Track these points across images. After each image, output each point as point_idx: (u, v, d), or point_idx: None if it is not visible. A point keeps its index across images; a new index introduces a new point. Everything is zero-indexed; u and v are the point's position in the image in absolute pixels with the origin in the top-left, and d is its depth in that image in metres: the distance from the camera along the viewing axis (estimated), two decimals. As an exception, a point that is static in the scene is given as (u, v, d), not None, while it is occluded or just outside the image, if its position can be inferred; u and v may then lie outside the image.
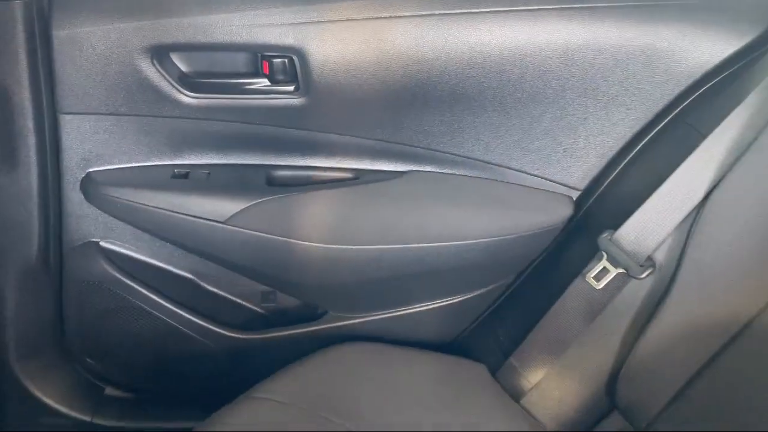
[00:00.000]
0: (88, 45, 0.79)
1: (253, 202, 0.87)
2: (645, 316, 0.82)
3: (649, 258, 0.82)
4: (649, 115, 0.87)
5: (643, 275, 0.81)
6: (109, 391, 1.09)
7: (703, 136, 0.79)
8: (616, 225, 0.84)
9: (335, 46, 0.83)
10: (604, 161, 0.91)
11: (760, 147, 0.74)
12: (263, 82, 0.84)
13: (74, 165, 0.87)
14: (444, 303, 1.00)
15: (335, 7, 0.82)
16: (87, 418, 1.04)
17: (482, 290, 0.99)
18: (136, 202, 0.87)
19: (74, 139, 0.85)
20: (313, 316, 1.01)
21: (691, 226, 0.79)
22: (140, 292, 0.96)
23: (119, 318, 0.99)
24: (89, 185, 0.88)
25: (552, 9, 0.83)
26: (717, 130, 0.78)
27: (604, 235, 0.85)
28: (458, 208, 0.92)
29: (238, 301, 1.02)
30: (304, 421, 0.79)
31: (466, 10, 0.83)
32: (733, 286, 0.73)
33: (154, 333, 0.99)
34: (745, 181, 0.75)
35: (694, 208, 0.78)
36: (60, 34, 0.78)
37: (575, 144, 0.91)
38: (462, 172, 0.94)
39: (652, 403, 0.79)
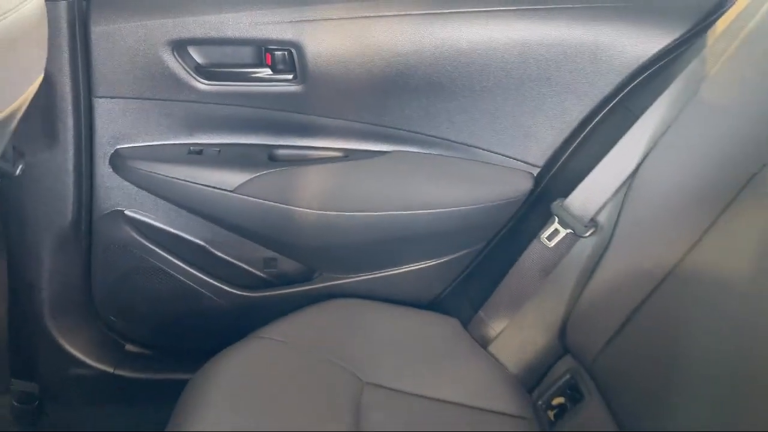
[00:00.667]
0: (119, 39, 0.94)
1: (257, 174, 1.02)
2: (589, 269, 0.96)
3: (592, 220, 0.97)
4: (596, 100, 1.02)
5: (587, 234, 0.96)
6: (129, 347, 1.23)
7: (637, 117, 0.94)
8: (567, 194, 0.99)
9: (328, 41, 0.98)
10: (559, 141, 1.06)
11: (679, 125, 0.89)
12: (266, 72, 0.99)
13: (105, 142, 1.02)
14: (424, 265, 1.14)
15: (328, 8, 0.97)
16: (110, 370, 1.18)
17: (457, 254, 1.14)
18: (158, 174, 1.02)
19: (105, 119, 1.00)
20: (307, 278, 1.16)
21: (626, 192, 0.94)
22: (159, 254, 1.11)
23: (140, 278, 1.13)
24: (117, 160, 1.03)
25: (511, 10, 0.98)
26: (647, 113, 0.93)
27: (556, 202, 1.00)
28: (434, 182, 1.07)
29: (243, 266, 1.16)
30: (298, 357, 0.93)
31: (438, 11, 0.98)
32: (659, 240, 0.88)
33: (169, 291, 1.14)
34: (668, 153, 0.90)
35: (629, 177, 0.94)
36: (96, 29, 0.93)
37: (534, 127, 1.05)
38: (437, 151, 1.08)
39: (595, 342, 0.93)
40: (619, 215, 0.94)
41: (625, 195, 0.94)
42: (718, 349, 0.77)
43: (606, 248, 0.94)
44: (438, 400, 0.95)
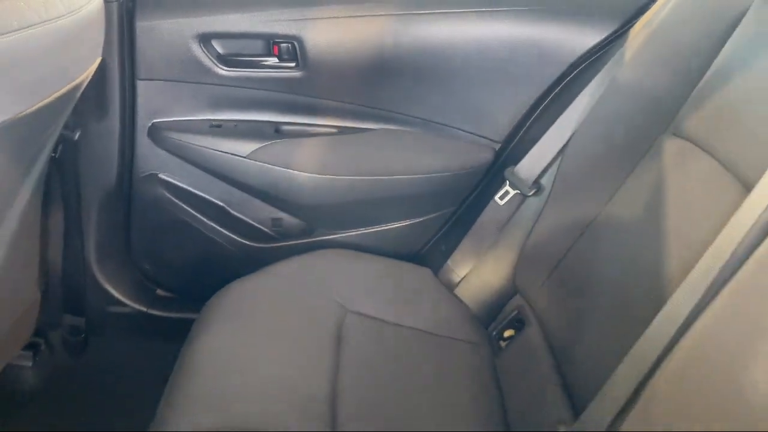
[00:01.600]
0: (158, 33, 1.19)
1: (265, 144, 1.25)
2: (533, 222, 1.18)
3: (535, 182, 1.19)
4: (543, 87, 1.24)
5: (531, 194, 1.18)
6: (160, 292, 1.47)
7: (573, 99, 1.16)
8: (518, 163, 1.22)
9: (324, 36, 1.21)
10: (514, 121, 1.28)
11: (600, 103, 1.10)
12: (273, 60, 1.23)
13: (144, 116, 1.26)
14: (405, 223, 1.37)
15: (324, 9, 1.21)
16: (144, 309, 1.42)
17: (432, 215, 1.36)
18: (186, 143, 1.26)
19: (145, 98, 1.24)
20: (307, 234, 1.39)
21: (561, 159, 1.15)
22: (186, 211, 1.35)
23: (169, 232, 1.37)
24: (154, 131, 1.27)
25: (473, 11, 1.21)
26: (580, 95, 1.15)
27: (508, 169, 1.22)
28: (411, 153, 1.30)
29: (255, 224, 1.40)
30: (294, 288, 1.16)
31: (413, 12, 1.21)
32: (584, 196, 1.09)
33: (194, 243, 1.38)
34: (591, 126, 1.11)
35: (563, 147, 1.15)
36: (140, 25, 1.18)
37: (495, 109, 1.28)
38: (414, 129, 1.31)
39: (536, 281, 1.15)
40: (555, 178, 1.15)
41: (560, 162, 1.15)
42: (619, 279, 0.98)
43: (545, 204, 1.16)
44: (407, 327, 1.17)
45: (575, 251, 1.09)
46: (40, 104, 0.77)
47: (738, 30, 0.93)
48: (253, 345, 1.02)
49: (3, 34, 0.67)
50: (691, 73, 0.98)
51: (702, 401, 0.66)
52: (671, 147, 0.98)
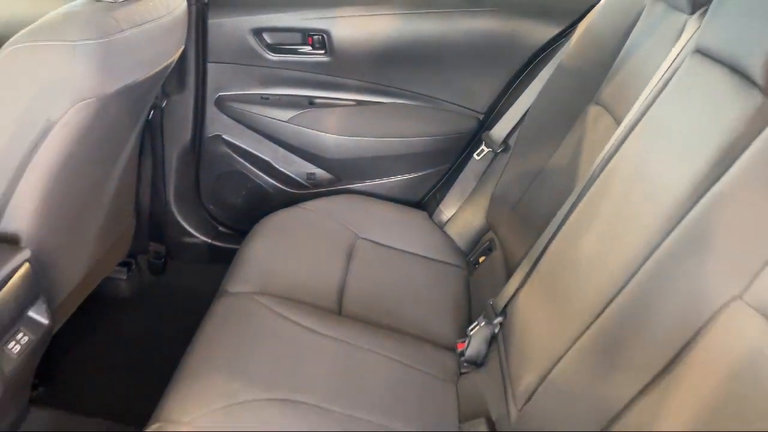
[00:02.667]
0: (223, 27, 1.60)
1: (301, 112, 1.65)
2: (501, 172, 1.54)
3: (504, 141, 1.55)
4: (514, 69, 1.60)
5: (500, 150, 1.55)
6: (221, 228, 1.89)
7: (532, 80, 1.51)
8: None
9: (346, 30, 1.60)
10: (493, 97, 1.64)
11: (550, 80, 1.45)
12: (308, 49, 1.63)
13: (212, 90, 1.68)
14: (409, 176, 1.75)
15: (347, 9, 1.60)
16: (209, 241, 1.84)
17: (431, 170, 1.74)
18: (243, 111, 1.67)
19: (213, 76, 1.66)
20: (332, 185, 1.78)
21: (522, 124, 1.51)
22: (242, 164, 1.76)
23: (229, 180, 1.79)
24: (219, 102, 1.69)
25: (458, 11, 1.57)
26: (538, 76, 1.50)
27: (484, 132, 1.58)
28: (414, 120, 1.68)
29: (294, 176, 1.80)
30: (317, 219, 1.55)
31: (413, 12, 1.59)
32: (535, 151, 1.45)
33: (247, 190, 1.79)
34: (541, 98, 1.47)
35: (524, 114, 1.51)
36: (211, 22, 1.59)
37: (478, 87, 1.64)
38: (417, 102, 1.68)
39: (501, 216, 1.51)
40: (517, 139, 1.51)
41: (521, 126, 1.51)
42: (554, 210, 1.33)
43: (509, 159, 1.52)
44: (403, 250, 1.55)
45: (528, 193, 1.45)
46: (149, 74, 1.19)
47: (638, 23, 1.27)
48: (285, 252, 1.42)
49: (146, 22, 1.09)
50: (609, 57, 1.33)
51: (568, 274, 1.02)
52: (592, 112, 1.33)
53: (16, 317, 1.07)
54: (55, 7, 1.09)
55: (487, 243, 1.57)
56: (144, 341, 1.66)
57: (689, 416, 0.69)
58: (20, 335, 1.08)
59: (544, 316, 1.00)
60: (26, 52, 1.00)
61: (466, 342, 1.19)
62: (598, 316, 0.84)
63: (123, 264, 1.80)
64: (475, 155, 1.59)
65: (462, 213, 1.64)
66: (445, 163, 1.73)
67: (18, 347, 1.07)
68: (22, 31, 1.01)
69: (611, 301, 0.83)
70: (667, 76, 0.97)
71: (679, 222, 0.77)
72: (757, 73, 0.75)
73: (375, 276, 1.44)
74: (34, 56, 1.00)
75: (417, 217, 1.68)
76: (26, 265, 1.08)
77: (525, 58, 1.58)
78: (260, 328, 1.15)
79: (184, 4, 1.35)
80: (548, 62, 1.52)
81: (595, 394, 0.82)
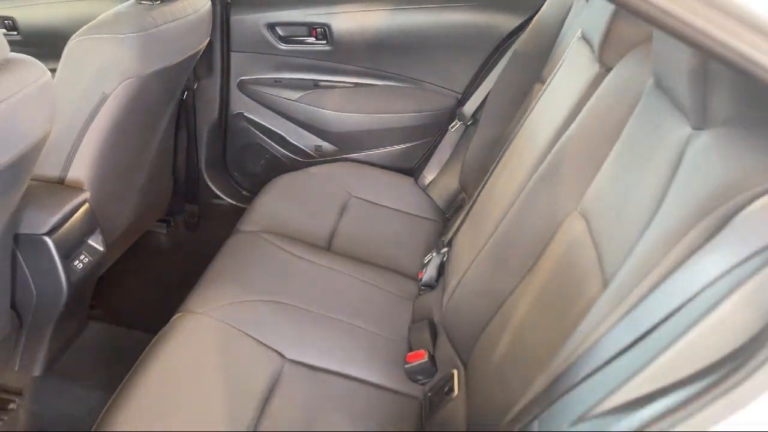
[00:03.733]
0: (243, 23, 1.94)
1: (307, 93, 1.99)
2: (471, 138, 1.84)
3: (473, 116, 1.85)
4: (485, 55, 1.89)
5: (469, 123, 1.85)
6: (244, 193, 2.24)
7: (496, 63, 1.81)
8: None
9: (344, 24, 1.92)
10: (468, 78, 1.94)
11: (508, 63, 1.75)
12: (312, 40, 1.95)
13: (234, 75, 2.02)
14: (399, 147, 2.06)
15: (343, 6, 1.92)
16: (234, 202, 2.19)
17: (419, 142, 2.04)
18: (260, 92, 2.01)
19: (235, 63, 2.00)
20: (336, 155, 2.11)
21: (487, 101, 1.81)
22: (260, 137, 2.10)
23: (249, 151, 2.13)
24: (241, 84, 2.03)
25: (438, 6, 1.88)
26: (501, 60, 1.80)
27: (458, 109, 1.89)
28: (403, 99, 1.99)
29: (303, 148, 2.13)
30: (319, 180, 1.88)
31: (400, 7, 1.90)
32: (495, 122, 1.74)
33: (264, 159, 2.13)
34: (501, 78, 1.76)
35: (488, 93, 1.80)
36: (233, 18, 1.94)
37: (456, 70, 1.94)
38: (404, 84, 2.00)
39: (469, 179, 1.81)
40: (483, 113, 1.81)
41: (486, 102, 1.81)
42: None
43: (477, 128, 1.82)
44: (390, 207, 1.87)
45: (489, 158, 1.75)
46: (179, 60, 1.53)
47: (569, 14, 1.55)
48: (289, 204, 1.75)
49: (176, 19, 1.43)
50: (549, 42, 1.61)
51: (488, 205, 1.32)
52: (536, 89, 1.62)
53: (80, 242, 1.43)
54: (105, 8, 1.45)
55: (460, 201, 1.87)
56: (177, 279, 2.01)
57: (532, 298, 0.99)
58: (82, 256, 1.44)
59: (469, 238, 1.31)
60: (88, 42, 1.35)
61: (424, 271, 1.51)
62: (496, 230, 1.15)
63: (163, 221, 2.16)
64: (450, 128, 1.89)
65: (440, 177, 1.94)
66: (429, 136, 2.04)
67: (81, 265, 1.43)
68: (85, 27, 1.36)
69: (503, 217, 1.13)
70: (564, 57, 1.27)
71: (544, 158, 1.07)
72: (596, 48, 1.04)
73: (362, 226, 1.77)
74: (93, 45, 1.35)
75: (404, 181, 2.00)
76: (87, 203, 1.43)
77: (494, 45, 1.87)
78: (262, 254, 1.49)
79: (208, 4, 1.69)
80: (508, 50, 1.81)
81: (491, 289, 1.13)
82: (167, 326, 1.24)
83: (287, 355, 1.24)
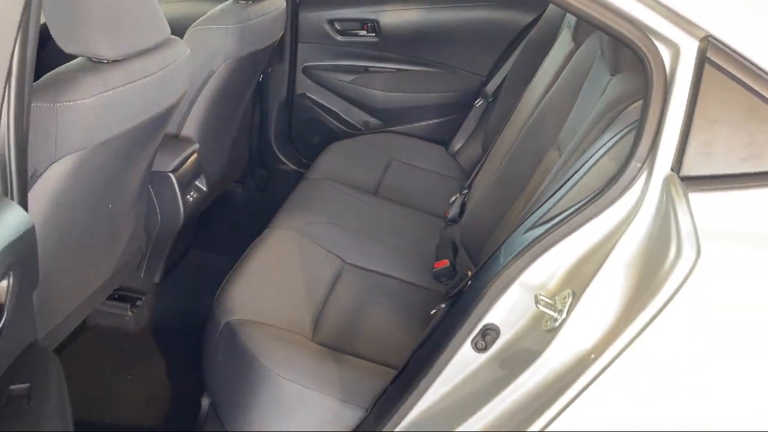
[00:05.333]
0: (309, 19, 2.41)
1: (358, 76, 2.45)
2: (491, 112, 2.26)
3: (493, 94, 2.28)
4: (504, 45, 2.32)
5: (490, 100, 2.28)
6: (304, 160, 2.70)
7: (513, 51, 2.24)
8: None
9: (389, 19, 2.38)
10: (491, 63, 2.36)
11: (520, 52, 2.17)
12: (364, 33, 2.41)
13: (300, 61, 2.49)
14: (433, 121, 2.50)
15: (390, 5, 2.38)
16: (295, 168, 2.65)
17: (450, 117, 2.48)
18: (321, 75, 2.48)
19: (302, 52, 2.47)
20: (381, 128, 2.56)
21: (504, 82, 2.23)
22: (319, 113, 2.56)
23: (310, 125, 2.60)
24: (305, 70, 2.50)
25: (464, 5, 2.31)
26: (516, 50, 2.22)
27: (482, 89, 2.32)
28: (438, 81, 2.43)
29: (354, 123, 2.58)
30: (365, 144, 2.33)
31: (434, 6, 2.34)
32: (511, 97, 2.17)
33: (323, 132, 2.59)
34: (517, 63, 2.18)
35: (505, 77, 2.23)
36: (301, 15, 2.40)
37: (481, 57, 2.37)
38: (439, 69, 2.44)
39: (489, 144, 2.24)
40: (501, 91, 2.24)
41: (504, 83, 2.23)
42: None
43: (496, 106, 2.24)
44: (424, 169, 2.30)
45: (499, 132, 2.17)
46: (262, 47, 2.00)
47: None
48: (342, 163, 2.21)
49: (262, 15, 1.90)
50: (553, 32, 2.03)
51: (499, 149, 1.76)
52: (540, 71, 2.04)
53: (191, 182, 1.90)
54: (207, 8, 1.92)
55: (482, 164, 2.30)
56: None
57: (522, 204, 1.42)
58: (192, 192, 1.91)
59: (483, 178, 1.75)
60: (200, 33, 1.83)
61: (450, 210, 1.94)
62: (500, 167, 1.58)
63: (238, 182, 2.64)
64: (475, 104, 2.33)
65: (466, 146, 2.38)
66: (457, 112, 2.47)
67: (191, 199, 1.90)
68: (199, 20, 1.84)
69: (504, 158, 1.56)
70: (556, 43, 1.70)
71: (533, 114, 1.50)
72: (572, 29, 1.46)
73: (401, 180, 2.21)
74: (205, 34, 1.82)
75: (436, 149, 2.44)
76: (196, 153, 1.91)
77: (511, 36, 2.30)
78: (326, 193, 1.96)
79: (284, 3, 2.16)
80: (524, 40, 2.23)
81: (495, 207, 1.55)
82: (260, 237, 1.70)
83: (346, 260, 1.69)
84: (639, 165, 0.88)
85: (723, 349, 0.85)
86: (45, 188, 1.19)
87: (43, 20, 1.10)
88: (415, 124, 2.52)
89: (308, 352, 1.37)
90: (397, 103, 2.47)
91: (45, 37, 1.24)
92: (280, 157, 2.64)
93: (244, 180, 2.65)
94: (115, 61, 1.25)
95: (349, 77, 2.48)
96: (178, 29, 1.75)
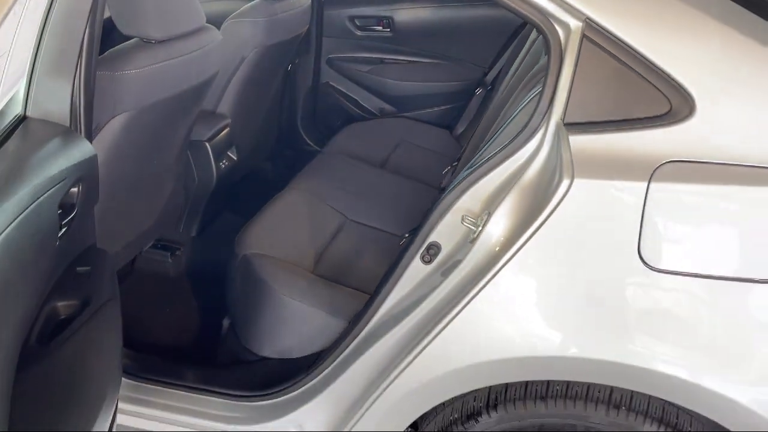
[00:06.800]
0: (331, 16, 2.74)
1: (375, 66, 2.77)
2: (490, 99, 2.55)
3: (491, 83, 2.56)
4: (504, 40, 2.60)
5: (489, 89, 2.56)
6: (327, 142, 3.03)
7: (510, 45, 2.52)
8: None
9: (403, 17, 2.70)
10: (492, 56, 2.65)
11: (517, 45, 2.46)
12: (380, 28, 2.73)
13: (324, 53, 2.82)
14: (441, 108, 2.79)
15: (403, 4, 2.69)
16: (317, 148, 2.97)
17: (454, 105, 2.77)
18: (343, 66, 2.81)
19: (325, 45, 2.80)
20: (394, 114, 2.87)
21: (500, 73, 2.52)
22: (341, 100, 2.89)
23: (333, 110, 2.93)
24: (329, 61, 2.84)
25: (470, 3, 2.61)
26: (514, 44, 2.51)
27: (483, 78, 2.61)
28: (445, 72, 2.73)
29: (370, 108, 2.90)
30: (379, 124, 2.65)
31: (441, 5, 2.64)
32: (505, 87, 2.45)
33: (344, 116, 2.91)
34: (514, 54, 2.47)
35: (501, 68, 2.52)
36: (325, 12, 2.74)
37: (484, 50, 2.66)
38: (446, 62, 2.74)
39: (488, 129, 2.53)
40: (499, 80, 2.52)
41: (500, 72, 2.52)
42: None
43: (493, 94, 2.53)
44: (431, 150, 2.60)
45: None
46: (287, 38, 2.34)
47: None
48: (355, 141, 2.52)
49: (287, 11, 2.24)
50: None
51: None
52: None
53: (223, 151, 2.25)
54: (241, 6, 2.26)
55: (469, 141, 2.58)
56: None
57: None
58: (224, 161, 2.26)
59: (470, 147, 2.04)
60: (233, 25, 2.17)
61: (443, 180, 2.24)
62: (484, 135, 1.87)
63: (268, 160, 2.98)
64: (476, 92, 2.62)
65: (469, 129, 2.66)
66: (462, 100, 2.76)
67: (223, 166, 2.25)
68: (234, 14, 2.18)
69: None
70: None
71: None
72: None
73: (407, 157, 2.50)
74: (237, 26, 2.16)
75: (442, 133, 2.73)
76: (228, 127, 2.25)
77: (510, 32, 2.58)
78: (337, 165, 2.28)
79: (308, 1, 2.49)
80: (519, 35, 2.51)
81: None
82: (278, 195, 2.03)
83: (348, 216, 2.01)
84: (541, 117, 1.17)
85: (586, 249, 1.13)
86: (104, 139, 1.54)
87: (107, 15, 1.45)
88: (424, 111, 2.82)
89: (308, 278, 1.69)
90: (409, 91, 2.78)
91: (110, 27, 1.61)
92: (306, 139, 2.97)
93: (274, 159, 3.00)
94: (160, 42, 1.59)
95: (366, 68, 2.80)
96: (217, 24, 2.11)
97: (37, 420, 0.94)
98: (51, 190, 1.02)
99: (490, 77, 2.60)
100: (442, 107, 2.80)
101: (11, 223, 0.88)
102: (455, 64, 2.73)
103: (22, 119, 1.18)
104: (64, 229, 1.08)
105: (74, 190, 1.16)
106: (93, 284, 1.19)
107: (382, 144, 2.55)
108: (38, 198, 0.96)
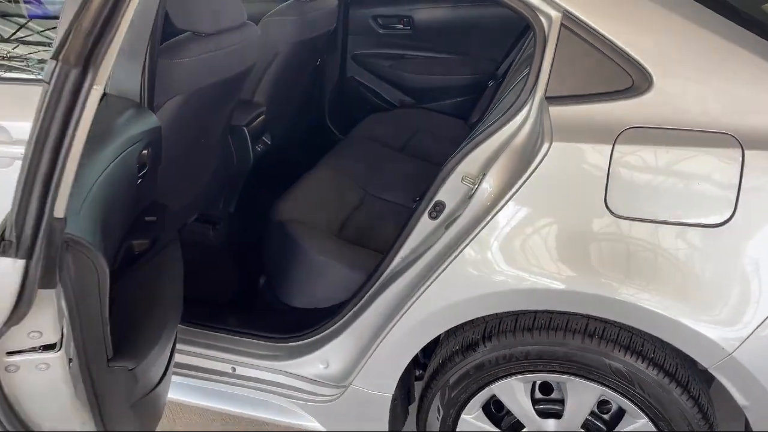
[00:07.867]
0: (356, 14, 3.00)
1: (395, 61, 3.03)
2: (499, 94, 2.79)
3: (502, 76, 2.79)
4: (515, 35, 2.83)
5: (500, 81, 2.80)
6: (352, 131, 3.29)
7: (521, 39, 2.75)
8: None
9: (422, 15, 2.95)
10: (504, 51, 2.88)
11: (522, 43, 2.69)
12: (400, 26, 2.99)
13: (350, 49, 3.09)
14: (458, 99, 3.03)
15: (422, 4, 2.94)
16: (342, 137, 3.23)
17: (468, 97, 3.01)
18: (366, 61, 3.06)
19: (350, 42, 3.07)
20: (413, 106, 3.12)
21: (511, 66, 2.75)
22: (365, 92, 3.15)
23: (357, 101, 3.18)
24: (354, 56, 3.10)
25: (483, 3, 2.85)
26: (521, 41, 2.74)
27: (495, 71, 2.84)
28: (460, 65, 2.98)
29: (391, 100, 3.15)
30: (394, 117, 2.90)
31: (455, 4, 2.89)
32: (513, 79, 2.69)
33: (366, 107, 3.17)
34: (520, 51, 2.70)
35: (511, 62, 2.75)
36: (351, 12, 3.00)
37: (496, 45, 2.90)
38: (462, 56, 2.98)
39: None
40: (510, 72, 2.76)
41: (511, 66, 2.75)
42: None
43: (502, 86, 2.76)
44: (447, 137, 2.84)
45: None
46: (315, 35, 2.60)
47: None
48: (374, 129, 2.78)
49: (316, 10, 2.51)
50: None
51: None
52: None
53: (259, 136, 2.51)
54: (274, 5, 2.53)
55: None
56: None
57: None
58: (260, 144, 2.52)
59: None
60: (269, 22, 2.44)
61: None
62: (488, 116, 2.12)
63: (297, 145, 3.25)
64: (489, 84, 2.85)
65: (483, 118, 2.90)
66: (476, 92, 3.00)
67: (259, 149, 2.51)
68: (270, 12, 2.45)
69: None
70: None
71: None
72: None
73: (423, 144, 2.75)
74: (272, 24, 2.43)
75: (457, 122, 2.97)
76: (263, 114, 2.52)
77: (519, 27, 2.81)
78: (361, 147, 2.53)
79: (336, 2, 2.76)
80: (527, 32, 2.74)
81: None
82: (308, 172, 2.29)
83: (369, 191, 2.26)
84: (528, 93, 1.41)
85: (563, 200, 1.36)
86: (162, 117, 1.81)
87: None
88: (440, 102, 3.06)
89: (334, 240, 1.95)
90: (427, 84, 3.03)
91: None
92: (332, 129, 3.24)
93: (303, 144, 3.26)
94: (209, 35, 1.86)
95: (388, 63, 3.05)
96: (256, 21, 2.37)
97: (127, 318, 1.21)
98: (131, 148, 1.28)
99: (501, 70, 2.84)
100: (458, 99, 3.04)
101: (111, 163, 1.15)
102: (469, 58, 2.98)
103: (103, 95, 1.45)
104: (140, 180, 1.34)
105: (145, 152, 1.42)
106: (158, 229, 1.46)
107: (401, 131, 2.80)
108: (125, 150, 1.23)
